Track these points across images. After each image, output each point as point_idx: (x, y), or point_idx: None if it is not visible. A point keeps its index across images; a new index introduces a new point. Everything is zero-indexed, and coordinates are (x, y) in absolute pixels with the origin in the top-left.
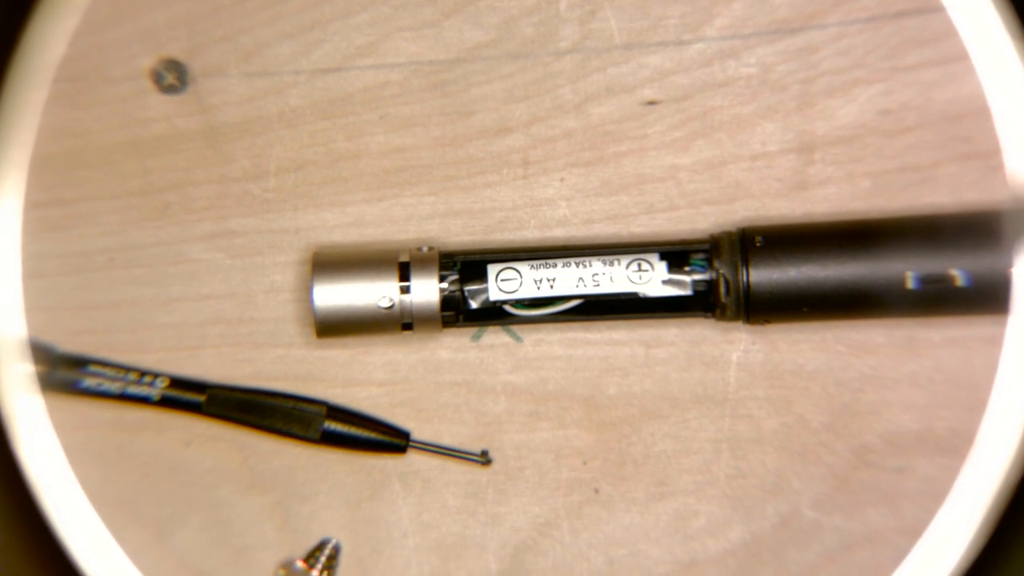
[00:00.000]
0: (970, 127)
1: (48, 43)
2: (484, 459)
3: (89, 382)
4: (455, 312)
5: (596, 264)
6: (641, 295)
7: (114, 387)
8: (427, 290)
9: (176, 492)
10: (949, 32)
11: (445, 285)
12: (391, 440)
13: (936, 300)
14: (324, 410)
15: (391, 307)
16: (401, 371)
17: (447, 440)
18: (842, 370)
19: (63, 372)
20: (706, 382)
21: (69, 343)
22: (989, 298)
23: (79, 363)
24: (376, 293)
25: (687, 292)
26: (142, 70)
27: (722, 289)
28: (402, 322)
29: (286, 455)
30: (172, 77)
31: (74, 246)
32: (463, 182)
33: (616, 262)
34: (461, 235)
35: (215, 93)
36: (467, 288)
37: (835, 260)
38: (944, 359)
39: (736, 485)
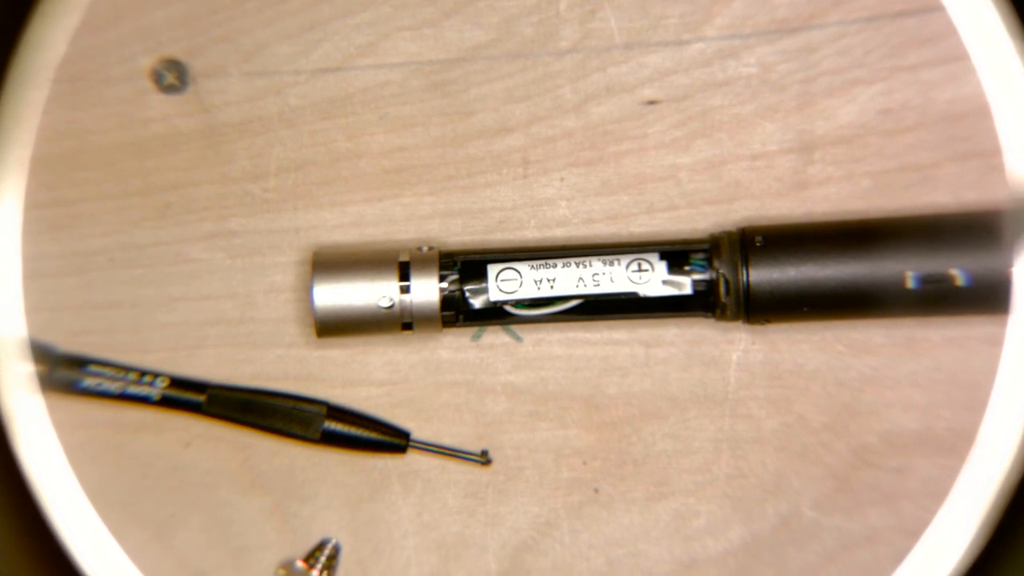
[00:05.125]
0: (970, 127)
1: (48, 43)
2: (484, 459)
3: (89, 382)
4: (455, 312)
5: (596, 264)
6: (641, 295)
7: (114, 387)
8: (427, 290)
9: (176, 492)
10: (949, 32)
11: (445, 285)
12: (391, 440)
13: (936, 300)
14: (324, 410)
15: (391, 307)
16: (401, 371)
17: (447, 440)
18: (842, 370)
19: (63, 372)
20: (706, 382)
21: (69, 343)
22: (989, 298)
23: (79, 363)
24: (376, 293)
25: (687, 292)
26: (142, 70)
27: (722, 289)
28: (402, 322)
29: (286, 455)
30: (172, 77)
31: (74, 246)
32: (463, 182)
33: (616, 262)
34: (461, 235)
35: (215, 93)
36: (467, 288)
37: (835, 260)
38: (944, 359)
39: (736, 485)
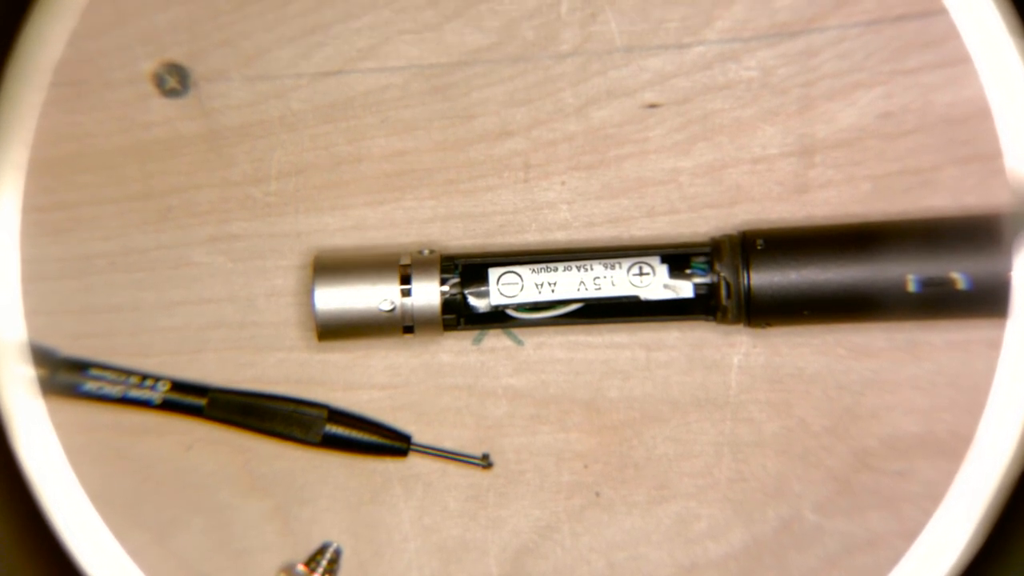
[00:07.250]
0: (971, 130)
1: (48, 45)
2: (485, 462)
3: (90, 386)
4: (456, 315)
5: (597, 267)
6: (642, 298)
7: (115, 391)
8: (428, 293)
9: (177, 495)
10: (949, 35)
11: (446, 288)
12: (392, 443)
13: (937, 303)
14: (325, 413)
15: (392, 310)
16: (402, 374)
17: (448, 443)
18: (843, 373)
19: (64, 376)
20: (707, 385)
21: (70, 347)
22: (990, 301)
23: (80, 367)
24: (377, 296)
25: (688, 295)
26: (143, 74)
27: (723, 292)
28: (403, 325)
29: (287, 458)
30: (173, 81)
31: (75, 250)
32: (464, 185)
33: (617, 265)
34: (462, 238)
35: (216, 97)
36: (468, 291)
37: (836, 263)
38: (945, 362)
39: (737, 488)
